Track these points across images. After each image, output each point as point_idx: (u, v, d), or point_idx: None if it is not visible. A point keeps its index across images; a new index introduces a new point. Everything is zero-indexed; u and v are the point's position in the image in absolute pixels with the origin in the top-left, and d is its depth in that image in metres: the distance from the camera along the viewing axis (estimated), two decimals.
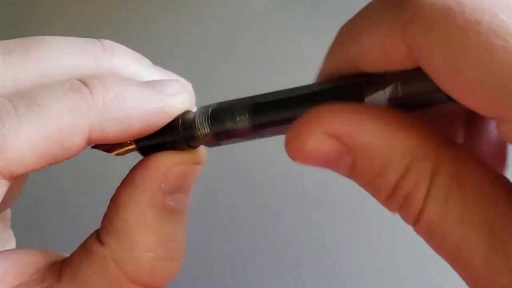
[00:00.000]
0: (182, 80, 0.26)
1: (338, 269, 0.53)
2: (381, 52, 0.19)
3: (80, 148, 0.24)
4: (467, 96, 0.17)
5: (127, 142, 0.25)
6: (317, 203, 0.54)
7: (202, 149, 0.26)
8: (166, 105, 0.24)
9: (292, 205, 0.55)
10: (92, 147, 0.26)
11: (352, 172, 0.21)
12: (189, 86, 0.26)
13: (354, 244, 0.53)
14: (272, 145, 0.56)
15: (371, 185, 0.20)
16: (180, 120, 0.24)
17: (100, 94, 0.24)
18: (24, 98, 0.24)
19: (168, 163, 0.24)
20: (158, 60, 0.27)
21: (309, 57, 0.53)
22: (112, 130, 0.23)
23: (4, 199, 0.27)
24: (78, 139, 0.23)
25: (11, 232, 0.31)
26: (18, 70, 0.25)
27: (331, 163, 0.21)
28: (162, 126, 0.24)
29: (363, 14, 0.20)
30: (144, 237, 0.24)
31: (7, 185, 0.23)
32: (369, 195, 0.21)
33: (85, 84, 0.24)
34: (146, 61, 0.27)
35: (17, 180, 0.29)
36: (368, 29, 0.19)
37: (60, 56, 0.25)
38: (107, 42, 0.26)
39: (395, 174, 0.19)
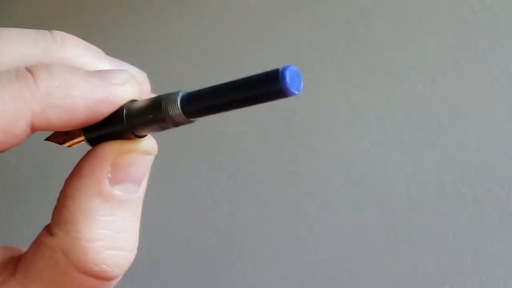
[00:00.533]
0: (135, 70, 0.27)
1: (336, 267, 0.53)
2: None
3: (24, 135, 0.24)
4: None
5: (76, 133, 0.26)
6: (315, 201, 0.54)
7: (151, 139, 0.26)
8: (111, 94, 0.24)
9: (289, 204, 0.55)
10: (45, 139, 0.27)
11: None
12: (143, 76, 0.27)
13: (352, 242, 0.53)
14: (271, 144, 0.56)
15: None
16: (124, 110, 0.25)
17: (44, 81, 0.24)
18: None
19: (114, 151, 0.25)
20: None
21: (309, 57, 0.53)
22: (56, 117, 0.24)
23: None
24: (21, 126, 0.24)
25: None
26: None
27: None
28: (107, 115, 0.25)
29: None
30: (89, 226, 0.24)
31: None
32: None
33: (30, 72, 0.24)
34: (97, 51, 0.27)
35: None
36: None
37: (10, 46, 0.26)
38: (57, 33, 0.27)
39: None
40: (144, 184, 0.26)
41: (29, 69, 0.25)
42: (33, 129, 0.24)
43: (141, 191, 0.26)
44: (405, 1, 0.50)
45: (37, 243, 0.25)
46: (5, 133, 0.24)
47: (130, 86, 0.25)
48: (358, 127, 0.52)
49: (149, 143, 0.26)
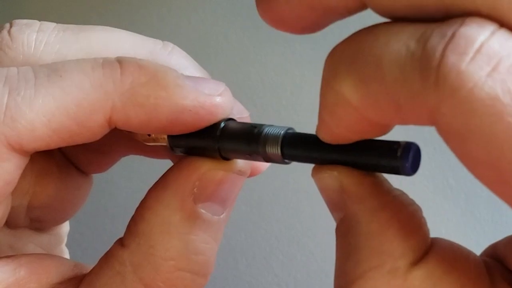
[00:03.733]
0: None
1: (330, 265, 0.53)
2: (396, 111, 0.16)
3: (100, 129, 0.22)
4: (507, 194, 0.15)
5: (159, 135, 0.23)
6: (309, 198, 0.54)
7: (240, 161, 0.23)
8: (200, 104, 0.22)
9: (283, 200, 0.55)
10: (125, 131, 0.24)
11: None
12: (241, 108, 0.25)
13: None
14: None
15: None
16: (219, 129, 0.22)
17: (132, 75, 0.22)
18: (49, 68, 0.22)
19: (204, 166, 0.22)
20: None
21: (309, 56, 0.53)
22: (136, 117, 0.22)
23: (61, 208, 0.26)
24: (98, 118, 0.21)
25: (64, 249, 0.29)
26: (66, 45, 0.23)
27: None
28: (192, 126, 0.22)
29: (375, 70, 0.16)
30: (165, 242, 0.22)
31: (20, 160, 0.22)
32: None
33: (119, 62, 0.22)
34: (202, 70, 0.25)
35: (76, 187, 0.28)
36: (383, 89, 0.16)
37: (114, 42, 0.24)
38: (169, 43, 0.25)
39: None
40: (230, 208, 0.24)
41: (119, 60, 0.22)
42: (111, 125, 0.22)
43: (225, 215, 0.23)
44: None
45: (107, 255, 0.23)
46: (80, 126, 0.21)
47: (223, 99, 0.22)
48: None
49: (245, 163, 0.23)
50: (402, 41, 0.16)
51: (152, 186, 0.23)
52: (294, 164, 0.22)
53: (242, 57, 0.55)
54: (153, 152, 0.27)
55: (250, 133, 0.22)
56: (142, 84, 0.22)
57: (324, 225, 0.53)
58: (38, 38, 0.24)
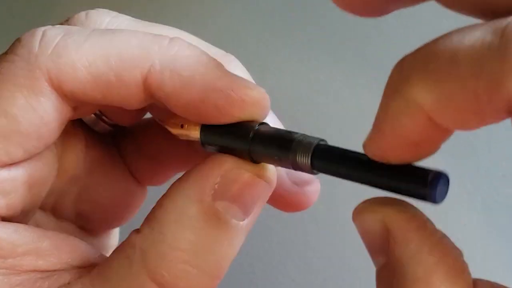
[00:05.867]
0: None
1: (347, 270, 0.53)
2: (473, 106, 0.16)
3: (135, 88, 0.22)
4: None
5: (192, 129, 0.23)
6: (326, 203, 0.54)
7: (271, 167, 0.23)
8: (232, 88, 0.22)
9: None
10: (160, 121, 0.24)
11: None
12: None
13: (359, 244, 0.52)
14: None
15: None
16: (252, 131, 0.22)
17: (177, 46, 0.22)
18: (107, 28, 0.24)
19: (228, 163, 0.22)
20: None
21: (324, 62, 0.53)
22: (170, 82, 0.22)
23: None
24: (134, 73, 0.22)
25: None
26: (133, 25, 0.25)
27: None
28: (221, 110, 0.22)
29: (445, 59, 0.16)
30: (177, 232, 0.21)
31: (59, 103, 0.22)
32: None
33: (170, 37, 0.23)
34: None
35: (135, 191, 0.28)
36: (460, 85, 0.16)
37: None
38: (230, 54, 0.26)
39: None
40: (252, 217, 0.23)
41: (171, 37, 0.23)
42: (145, 86, 0.22)
43: (247, 223, 0.23)
44: None
45: (123, 242, 0.23)
46: (117, 78, 0.22)
47: (257, 95, 0.22)
48: (367, 126, 0.51)
49: (272, 172, 0.23)
50: (476, 36, 0.16)
51: (178, 179, 0.23)
52: None
53: (258, 62, 0.55)
54: None
55: (282, 138, 0.22)
56: (185, 56, 0.22)
57: (341, 230, 0.53)
58: (111, 21, 0.25)
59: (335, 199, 0.53)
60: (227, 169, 0.22)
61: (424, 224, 0.19)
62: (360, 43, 0.49)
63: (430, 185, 0.18)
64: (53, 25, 0.24)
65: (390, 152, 0.18)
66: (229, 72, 0.23)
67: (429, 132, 0.17)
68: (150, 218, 0.22)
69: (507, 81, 0.15)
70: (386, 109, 0.18)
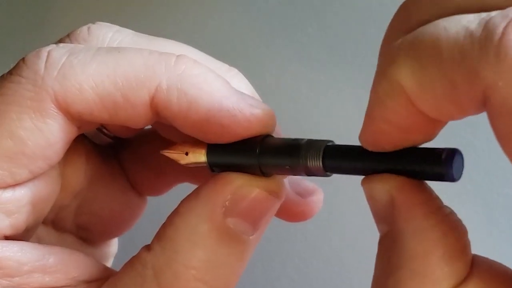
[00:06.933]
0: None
1: (347, 270, 0.53)
2: (450, 95, 0.16)
3: (143, 109, 0.22)
4: None
5: (197, 154, 0.24)
6: (326, 203, 0.54)
7: (282, 184, 0.23)
8: (239, 108, 0.22)
9: None
10: (162, 152, 0.24)
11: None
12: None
13: (363, 245, 0.52)
14: None
15: None
16: (259, 145, 0.22)
17: (184, 64, 0.23)
18: (111, 47, 0.24)
19: (238, 181, 0.23)
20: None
21: (325, 62, 0.53)
22: (177, 102, 0.22)
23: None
24: (141, 94, 0.22)
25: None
26: (138, 47, 0.24)
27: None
28: (228, 129, 0.22)
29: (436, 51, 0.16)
30: (190, 250, 0.22)
31: (65, 124, 0.22)
32: None
33: (177, 55, 0.23)
34: (259, 99, 0.26)
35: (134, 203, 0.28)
36: (440, 71, 0.16)
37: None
38: (233, 68, 0.26)
39: None
40: (260, 231, 0.23)
41: (177, 54, 0.23)
42: (152, 106, 0.22)
43: (255, 237, 0.23)
44: None
45: (132, 258, 0.23)
46: (124, 98, 0.22)
47: (263, 113, 0.23)
48: None
49: (281, 186, 0.23)
50: (461, 25, 0.16)
51: (186, 196, 0.23)
52: None
53: (258, 62, 0.55)
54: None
55: (290, 146, 0.22)
56: (192, 75, 0.22)
57: (340, 230, 0.53)
58: (113, 37, 0.25)
59: (335, 199, 0.53)
60: (238, 186, 0.22)
61: (429, 200, 0.19)
62: (360, 44, 0.49)
63: (445, 162, 0.18)
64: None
65: (381, 138, 0.18)
66: (235, 91, 0.23)
67: (414, 118, 0.17)
68: (161, 236, 0.23)
69: (483, 71, 0.15)
70: (374, 93, 0.18)
